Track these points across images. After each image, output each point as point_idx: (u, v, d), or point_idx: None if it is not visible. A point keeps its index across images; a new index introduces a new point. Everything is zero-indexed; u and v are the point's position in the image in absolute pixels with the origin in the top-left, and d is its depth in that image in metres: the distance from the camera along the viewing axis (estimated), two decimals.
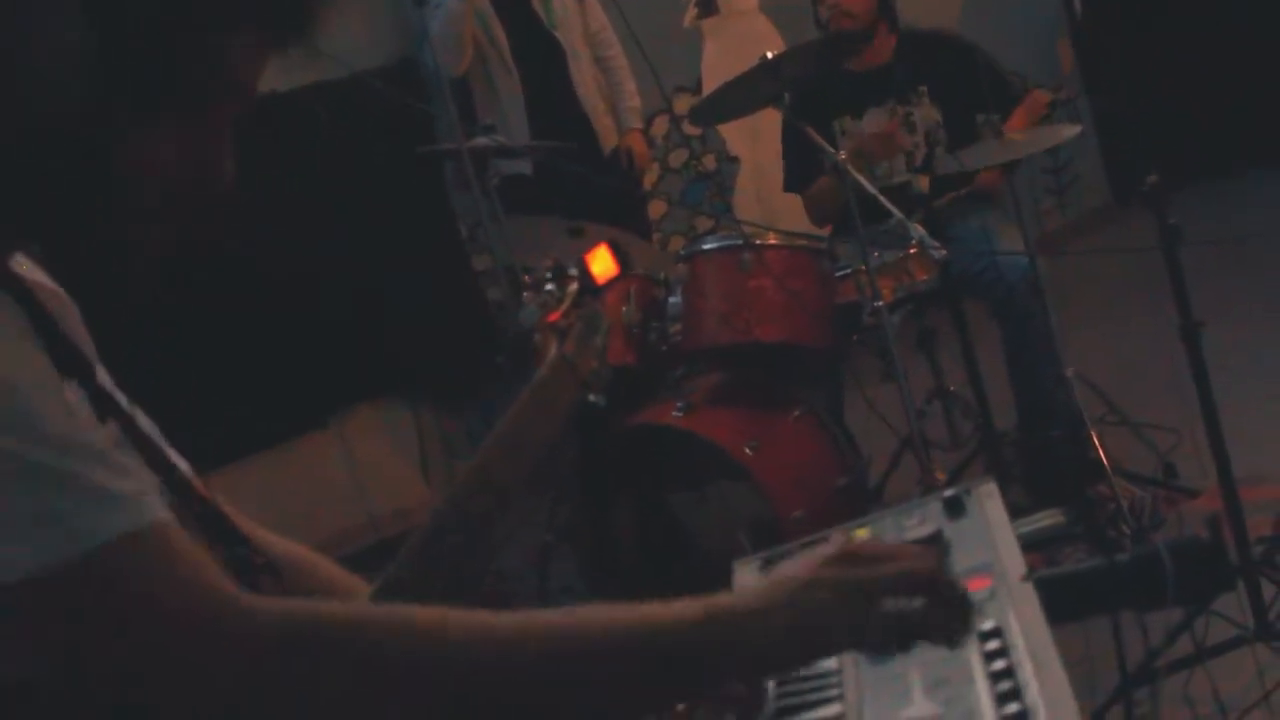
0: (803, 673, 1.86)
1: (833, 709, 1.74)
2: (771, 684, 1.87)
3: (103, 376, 1.74)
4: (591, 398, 2.34)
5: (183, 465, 1.83)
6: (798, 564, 1.69)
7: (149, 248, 1.64)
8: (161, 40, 1.54)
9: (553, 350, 2.30)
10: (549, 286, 2.40)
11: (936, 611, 1.60)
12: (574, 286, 2.41)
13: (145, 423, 1.79)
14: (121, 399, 1.75)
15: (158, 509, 1.48)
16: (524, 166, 6.96)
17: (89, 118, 1.51)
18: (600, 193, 6.60)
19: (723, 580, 2.23)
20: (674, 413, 5.04)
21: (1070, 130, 5.55)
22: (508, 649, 1.59)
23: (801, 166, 5.98)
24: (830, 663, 1.84)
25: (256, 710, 1.48)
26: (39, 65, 1.48)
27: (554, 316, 2.38)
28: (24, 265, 1.67)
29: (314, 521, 6.79)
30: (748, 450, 4.88)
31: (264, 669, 1.47)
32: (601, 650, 1.60)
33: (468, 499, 1.98)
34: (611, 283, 2.49)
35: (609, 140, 7.15)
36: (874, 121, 6.00)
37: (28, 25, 1.48)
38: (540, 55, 6.97)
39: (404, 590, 1.84)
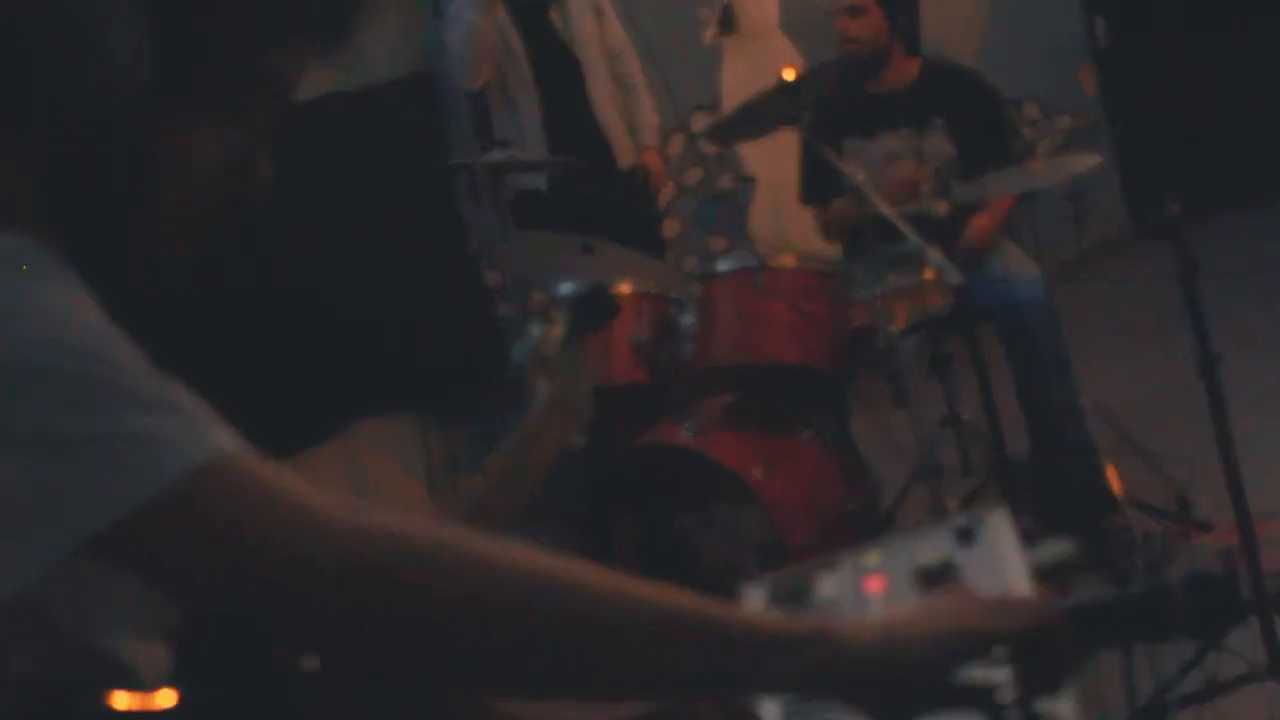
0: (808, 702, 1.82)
1: None
2: (778, 713, 1.83)
3: None
4: (574, 438, 2.34)
5: None
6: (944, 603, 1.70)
7: (177, 250, 1.65)
8: (214, 44, 1.57)
9: (543, 390, 2.30)
10: (535, 330, 2.41)
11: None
12: (558, 330, 2.41)
13: None
14: None
15: (236, 439, 1.50)
16: (538, 182, 6.94)
17: (138, 112, 1.53)
18: (614, 210, 6.58)
19: (726, 600, 2.19)
20: (683, 433, 5.02)
21: (1090, 160, 5.53)
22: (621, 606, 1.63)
23: (818, 182, 5.96)
24: None
25: (366, 619, 1.48)
26: (100, 55, 1.50)
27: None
28: None
29: None
30: (756, 473, 4.86)
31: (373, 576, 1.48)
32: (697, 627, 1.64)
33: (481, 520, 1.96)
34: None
35: (625, 157, 7.13)
36: (902, 166, 5.96)
37: (95, 16, 1.49)
38: (558, 70, 6.95)
39: None
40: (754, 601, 2.17)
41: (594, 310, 2.53)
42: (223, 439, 1.47)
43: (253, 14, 1.59)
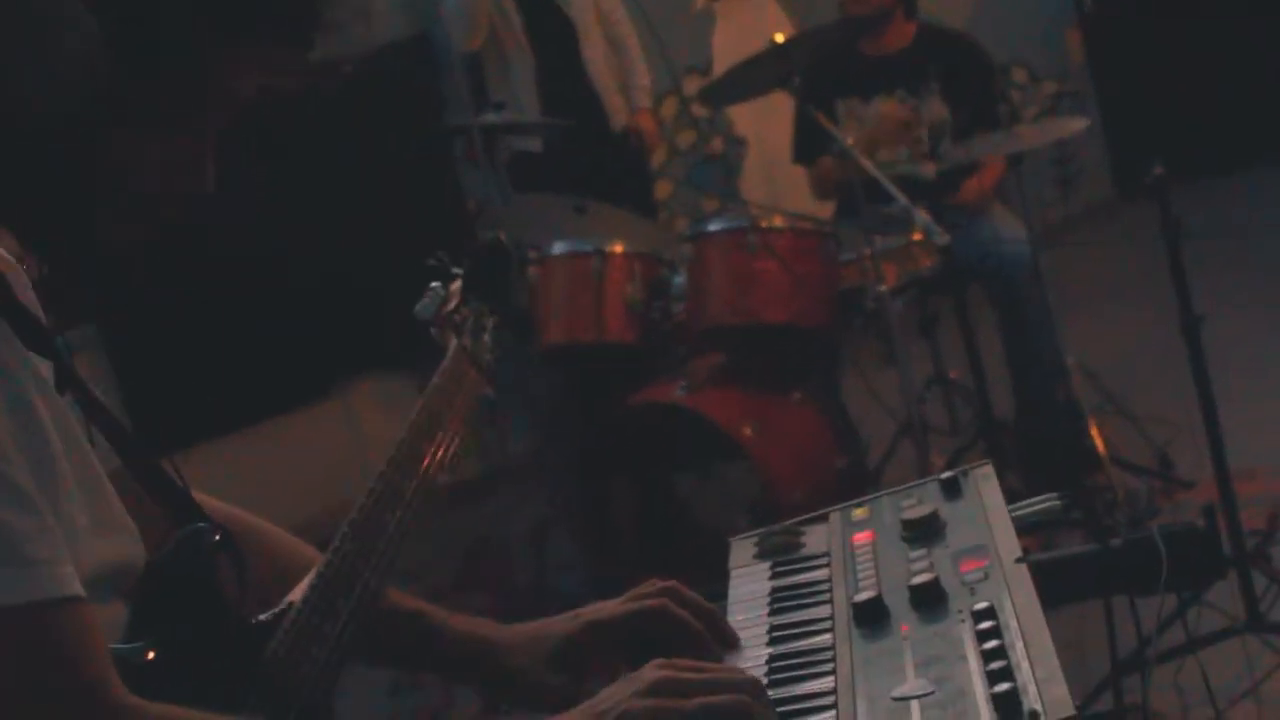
0: (796, 646, 1.89)
1: (825, 683, 1.76)
2: (765, 656, 1.90)
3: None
4: (485, 391, 2.39)
5: (129, 434, 1.84)
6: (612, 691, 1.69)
7: (120, 242, 1.67)
8: (166, 50, 1.59)
9: (452, 343, 2.35)
10: (434, 284, 2.44)
11: None
12: (457, 284, 2.45)
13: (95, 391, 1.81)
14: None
15: (67, 583, 1.49)
16: (533, 144, 6.97)
17: (87, 116, 1.56)
18: (607, 171, 6.62)
19: (721, 557, 2.26)
20: (676, 391, 5.07)
21: (1078, 123, 5.59)
22: None
23: (810, 141, 5.99)
24: (823, 637, 1.87)
25: None
26: (52, 59, 1.53)
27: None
28: None
29: (316, 490, 6.81)
30: (748, 430, 4.91)
31: None
32: None
33: (399, 479, 2.01)
34: None
35: (618, 119, 7.15)
36: (890, 105, 5.99)
37: (50, 16, 1.52)
38: (552, 33, 6.97)
39: (347, 564, 1.87)
40: (745, 555, 2.23)
41: (490, 263, 2.55)
42: (33, 587, 1.46)
43: (206, 20, 1.60)
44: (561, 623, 2.02)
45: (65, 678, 1.48)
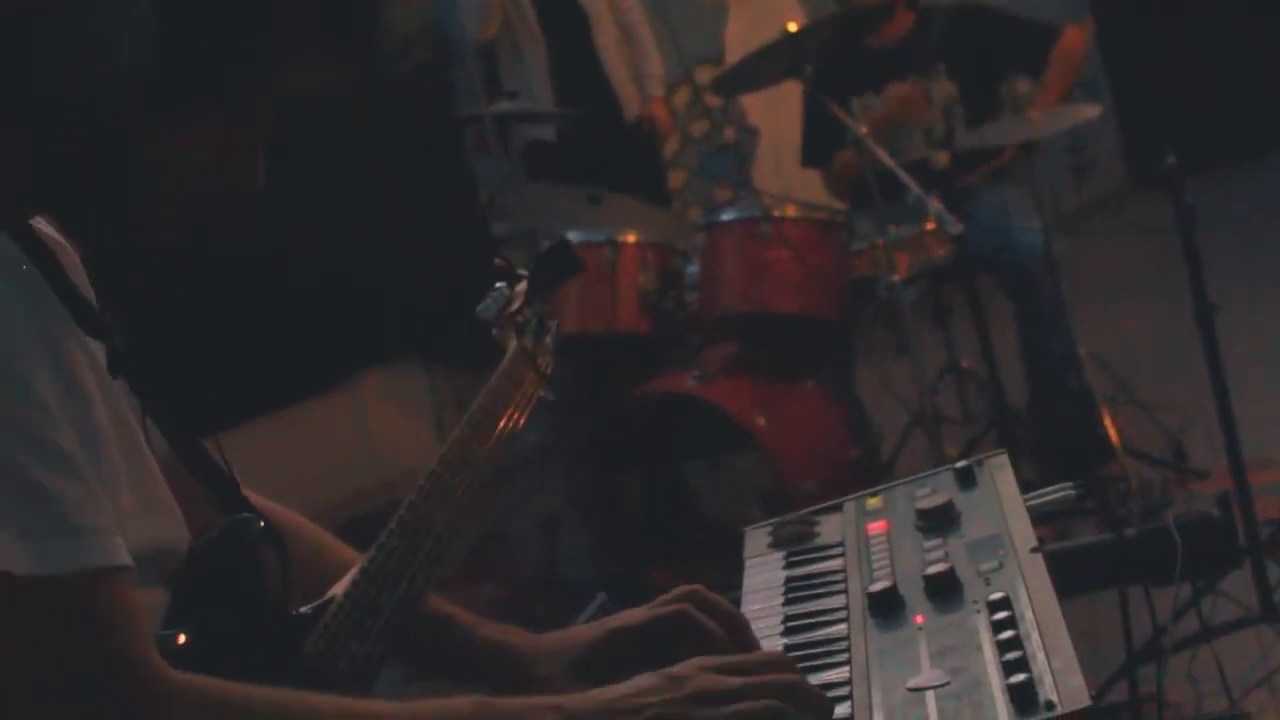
0: (811, 636, 1.89)
1: (840, 673, 1.76)
2: (780, 646, 1.90)
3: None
4: (542, 393, 2.38)
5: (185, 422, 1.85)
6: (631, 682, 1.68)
7: (162, 238, 1.67)
8: (222, 43, 1.59)
9: (512, 344, 2.34)
10: (499, 285, 2.43)
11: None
12: (522, 285, 2.45)
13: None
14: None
15: (116, 554, 1.49)
16: (547, 133, 6.97)
17: (138, 103, 1.55)
18: (620, 161, 6.61)
19: (733, 548, 2.26)
20: (689, 381, 5.07)
21: (1091, 110, 5.57)
22: None
23: (821, 140, 5.98)
24: (838, 627, 1.87)
25: None
26: (105, 47, 1.51)
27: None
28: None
29: (326, 481, 6.82)
30: (760, 420, 4.91)
31: None
32: None
33: (449, 477, 2.01)
34: None
35: (631, 108, 7.15)
36: (897, 88, 5.97)
37: (104, 8, 1.51)
38: (565, 22, 6.97)
39: (393, 560, 1.87)
40: (759, 544, 2.23)
41: (557, 266, 2.55)
42: (84, 556, 1.46)
43: (263, 14, 1.61)
44: (586, 630, 2.01)
45: (111, 649, 1.47)
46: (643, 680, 1.65)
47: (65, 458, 1.47)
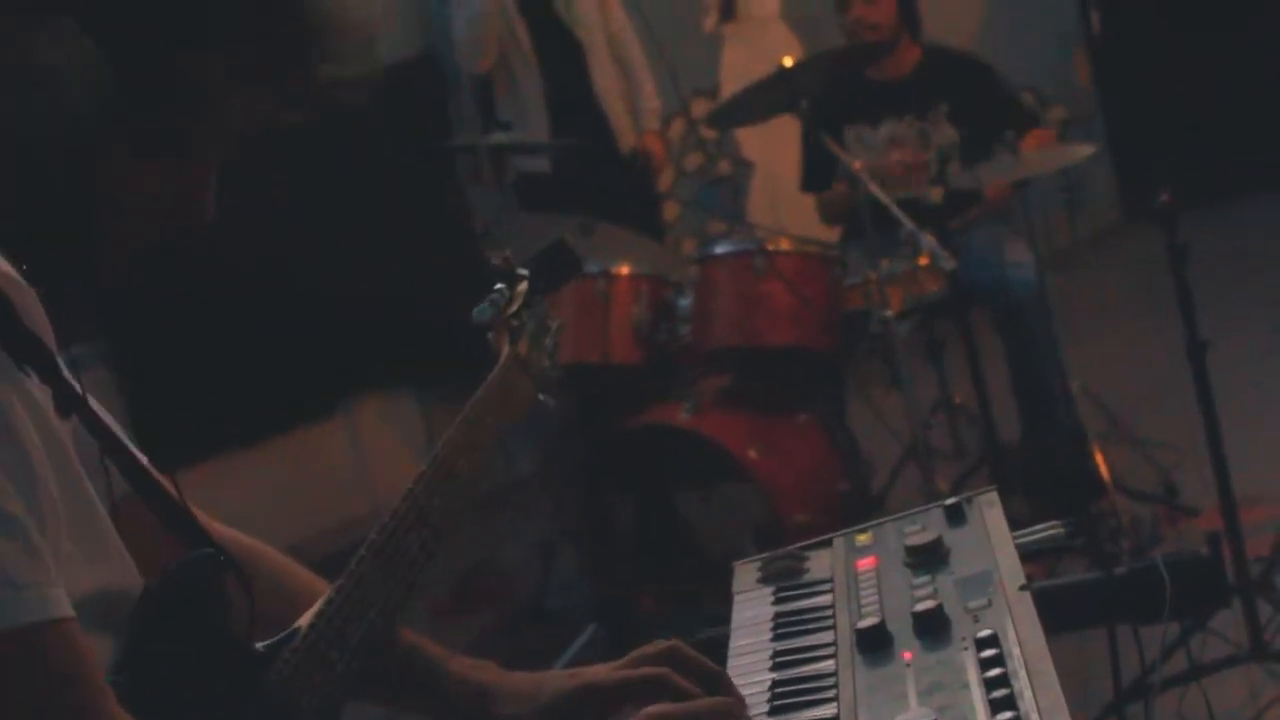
0: (798, 672, 1.88)
1: (827, 710, 1.76)
2: (767, 681, 1.90)
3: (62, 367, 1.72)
4: (541, 397, 2.35)
5: (142, 459, 1.82)
6: None
7: (115, 267, 1.68)
8: (169, 81, 1.60)
9: (506, 349, 2.30)
10: (498, 286, 2.39)
11: None
12: (523, 287, 2.40)
13: (105, 415, 1.78)
14: (78, 388, 1.73)
15: (56, 605, 1.49)
16: (541, 164, 6.98)
17: (90, 144, 1.56)
18: (614, 192, 6.62)
19: (724, 578, 2.26)
20: (681, 413, 5.08)
21: (1085, 150, 5.60)
22: None
23: (819, 169, 6.00)
24: (826, 664, 1.87)
25: None
26: (53, 86, 1.53)
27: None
28: None
29: (319, 508, 6.82)
30: (753, 453, 4.92)
31: None
32: None
33: (427, 497, 1.98)
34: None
35: (626, 140, 7.16)
36: (901, 150, 5.98)
37: (58, 49, 1.52)
38: (561, 54, 6.98)
39: (362, 588, 1.85)
40: (748, 579, 2.23)
41: (555, 267, 2.50)
42: (22, 609, 1.46)
43: (209, 52, 1.61)
44: (559, 679, 1.99)
45: (59, 700, 1.47)
46: None
47: (2, 516, 1.47)
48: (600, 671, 1.97)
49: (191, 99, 1.62)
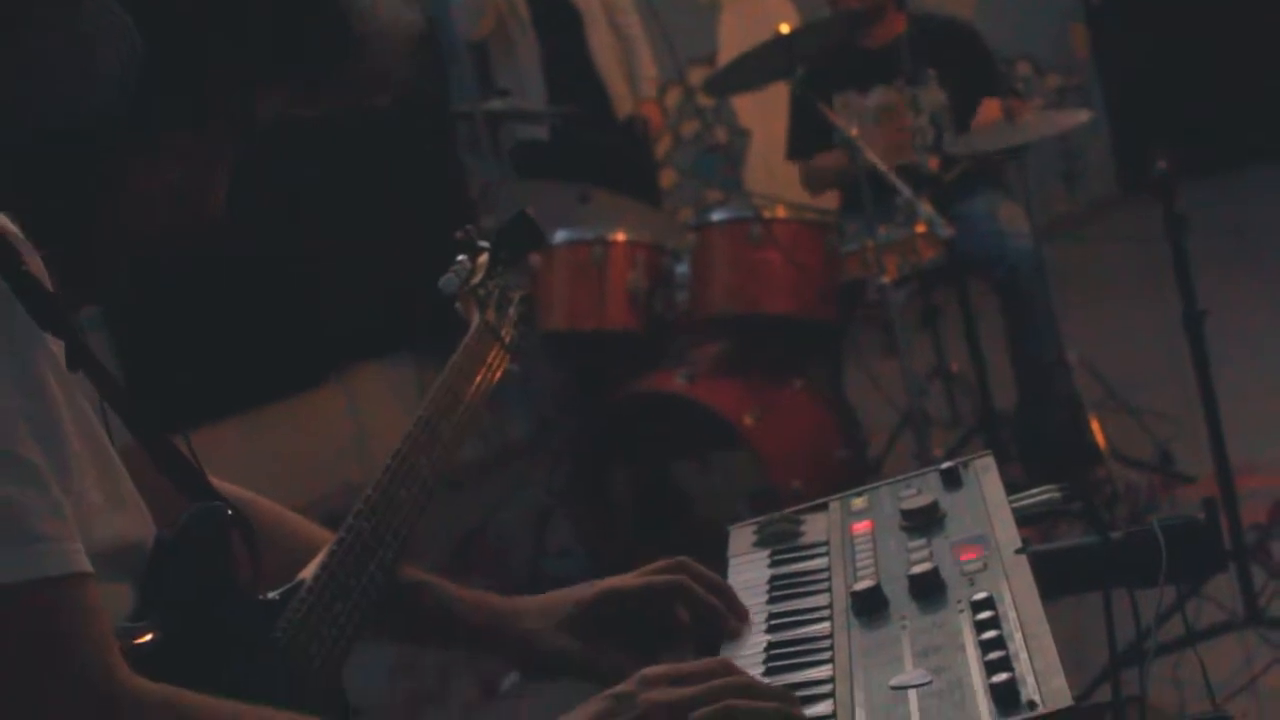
0: (794, 634, 1.89)
1: (823, 671, 1.76)
2: (763, 644, 1.90)
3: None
4: (509, 365, 2.37)
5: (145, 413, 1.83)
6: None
7: (124, 253, 1.69)
8: (201, 76, 1.61)
9: (475, 318, 2.32)
10: (460, 258, 2.41)
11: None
12: (484, 258, 2.42)
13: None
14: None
15: (73, 560, 1.48)
16: (540, 132, 6.97)
17: (116, 127, 1.56)
18: (612, 160, 6.61)
19: (720, 545, 2.26)
20: (677, 380, 5.08)
21: (1081, 115, 5.58)
22: None
23: (806, 136, 5.98)
24: (822, 625, 1.87)
25: None
26: (95, 67, 1.53)
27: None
28: None
29: (317, 474, 6.83)
30: (749, 419, 4.92)
31: None
32: None
33: (415, 455, 2.00)
34: None
35: (623, 108, 7.16)
36: (892, 116, 5.96)
37: (94, 31, 1.52)
38: (558, 21, 6.97)
39: (361, 542, 1.86)
40: (744, 542, 2.23)
41: (519, 239, 2.52)
42: (41, 563, 1.45)
43: (242, 54, 1.63)
44: (577, 591, 2.03)
45: (67, 658, 1.46)
46: (592, 705, 1.64)
47: (25, 466, 1.47)
48: (619, 579, 2.01)
49: (231, 97, 1.64)
